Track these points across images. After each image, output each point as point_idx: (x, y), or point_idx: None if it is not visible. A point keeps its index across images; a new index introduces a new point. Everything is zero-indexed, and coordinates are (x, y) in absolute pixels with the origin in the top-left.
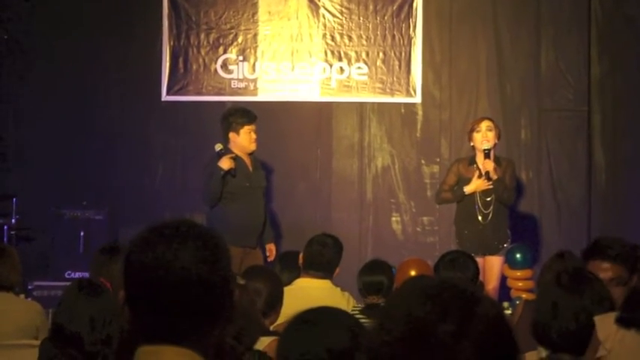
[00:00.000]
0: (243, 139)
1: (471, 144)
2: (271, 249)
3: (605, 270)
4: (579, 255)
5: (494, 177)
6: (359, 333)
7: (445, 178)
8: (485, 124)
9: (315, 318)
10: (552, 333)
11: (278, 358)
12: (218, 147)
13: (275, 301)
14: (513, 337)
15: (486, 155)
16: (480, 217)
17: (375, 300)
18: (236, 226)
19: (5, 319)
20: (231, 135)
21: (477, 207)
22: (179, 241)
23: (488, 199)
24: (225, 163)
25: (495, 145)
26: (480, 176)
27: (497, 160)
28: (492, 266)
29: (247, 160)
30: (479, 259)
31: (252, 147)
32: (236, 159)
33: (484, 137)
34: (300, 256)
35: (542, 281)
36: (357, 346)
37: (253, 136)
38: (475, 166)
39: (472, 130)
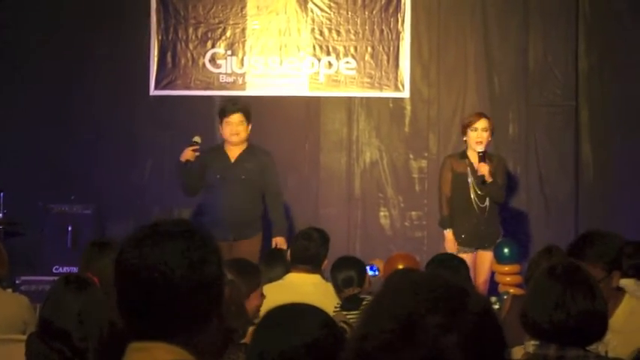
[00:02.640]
0: (224, 131)
1: (464, 138)
2: (277, 241)
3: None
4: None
5: (490, 180)
6: (332, 325)
7: (441, 185)
8: (481, 124)
9: (288, 315)
10: (543, 324)
11: (250, 356)
12: (195, 139)
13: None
14: (501, 332)
15: (481, 158)
16: (477, 212)
17: (351, 292)
18: (210, 218)
19: None
20: (219, 127)
21: (473, 202)
22: (166, 241)
23: (484, 193)
24: (183, 155)
25: (489, 142)
26: (481, 181)
27: (488, 157)
28: (484, 261)
29: (232, 152)
30: (471, 254)
31: (232, 139)
32: (216, 151)
33: (479, 138)
34: (288, 252)
35: (532, 275)
36: (333, 339)
37: (233, 128)
38: (467, 160)
39: (468, 126)
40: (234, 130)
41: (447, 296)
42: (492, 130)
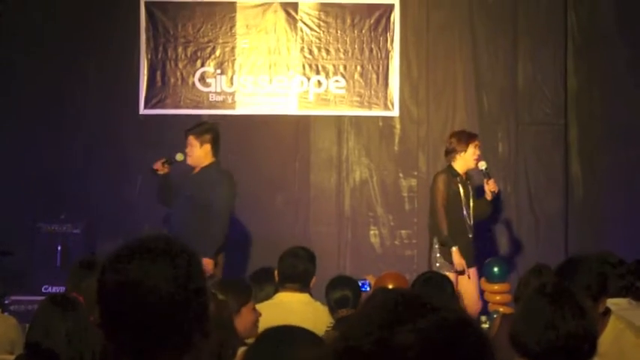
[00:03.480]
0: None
1: (458, 154)
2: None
3: None
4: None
5: (490, 197)
6: (320, 345)
7: (440, 201)
8: (476, 143)
9: (279, 338)
10: (533, 343)
11: None
12: (178, 156)
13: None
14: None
15: (488, 175)
16: (468, 230)
17: (344, 313)
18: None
19: None
20: None
21: (465, 219)
22: (150, 259)
23: (472, 212)
24: (155, 164)
25: None
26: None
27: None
28: (474, 276)
29: (194, 170)
30: (467, 271)
31: (187, 160)
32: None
33: (478, 155)
34: (276, 272)
35: (521, 294)
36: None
37: (187, 150)
38: (459, 178)
39: (469, 142)
40: (187, 152)
41: (417, 309)
42: None
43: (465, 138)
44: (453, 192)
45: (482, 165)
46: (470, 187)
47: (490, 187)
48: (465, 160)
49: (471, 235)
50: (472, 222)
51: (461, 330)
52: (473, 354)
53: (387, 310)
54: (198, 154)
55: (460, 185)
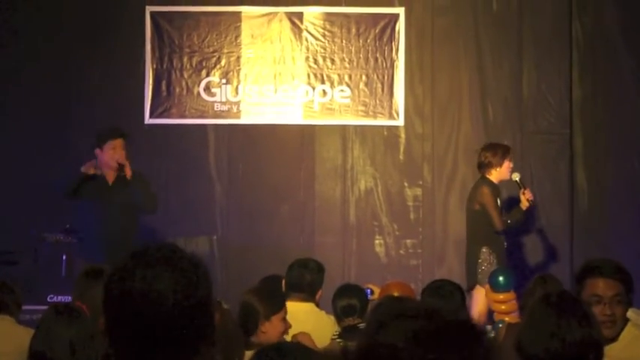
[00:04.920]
0: (105, 155)
1: (497, 168)
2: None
3: (607, 287)
4: (575, 274)
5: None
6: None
7: (491, 206)
8: (512, 155)
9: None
10: (539, 352)
11: None
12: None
13: None
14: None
15: (523, 185)
16: (505, 241)
17: (351, 322)
18: (92, 240)
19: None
20: (96, 151)
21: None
22: (156, 268)
23: (519, 219)
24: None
25: None
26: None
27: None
28: None
29: (110, 176)
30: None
31: (112, 163)
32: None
33: (511, 167)
34: (283, 282)
35: (527, 303)
36: None
37: (115, 152)
38: (497, 190)
39: (507, 155)
40: (115, 155)
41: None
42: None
43: (501, 153)
44: (496, 203)
45: (516, 176)
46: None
47: (527, 196)
48: (501, 173)
49: (505, 244)
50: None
51: (456, 333)
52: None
53: (383, 313)
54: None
55: (498, 196)
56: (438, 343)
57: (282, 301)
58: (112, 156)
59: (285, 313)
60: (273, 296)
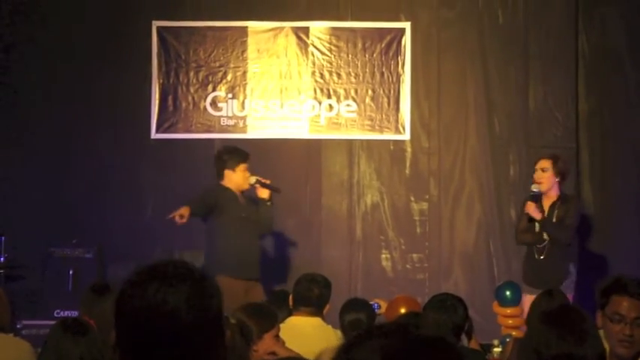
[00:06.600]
0: (239, 177)
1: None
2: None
3: (631, 308)
4: (598, 289)
5: (538, 217)
6: None
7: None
8: (539, 164)
9: None
10: None
11: None
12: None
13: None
14: None
15: (531, 197)
16: (535, 253)
17: None
18: (237, 258)
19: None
20: (227, 172)
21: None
22: (168, 283)
23: (543, 235)
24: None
25: (557, 182)
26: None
27: (563, 198)
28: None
29: (240, 196)
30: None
31: (246, 185)
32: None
33: (536, 178)
34: (290, 297)
35: (532, 317)
36: None
37: (247, 174)
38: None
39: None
40: (248, 176)
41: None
42: (560, 170)
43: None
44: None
45: (534, 187)
46: None
47: (526, 207)
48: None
49: (539, 260)
50: (543, 245)
51: (428, 349)
52: None
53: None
54: None
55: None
56: (410, 359)
57: (274, 317)
58: (246, 178)
59: (278, 330)
60: (263, 314)
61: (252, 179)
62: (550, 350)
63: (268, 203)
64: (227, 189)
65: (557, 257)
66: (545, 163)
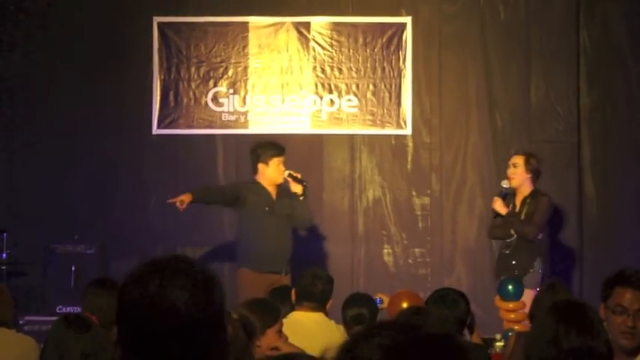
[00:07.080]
0: (272, 171)
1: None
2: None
3: (634, 300)
4: (606, 278)
5: (503, 212)
6: None
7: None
8: (512, 160)
9: None
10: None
11: None
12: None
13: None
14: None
15: (503, 193)
16: (503, 247)
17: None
18: (260, 251)
19: (1, 352)
20: (260, 166)
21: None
22: (169, 279)
23: (511, 231)
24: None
25: (529, 179)
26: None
27: (533, 195)
28: None
29: (272, 190)
30: None
31: (280, 179)
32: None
33: (508, 174)
34: (293, 291)
35: (535, 311)
36: None
37: (282, 168)
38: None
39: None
40: (283, 170)
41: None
42: (532, 167)
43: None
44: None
45: (504, 184)
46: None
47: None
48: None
49: (507, 253)
50: (512, 240)
51: (433, 346)
52: None
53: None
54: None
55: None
56: (414, 356)
57: (277, 313)
58: (280, 172)
59: (281, 325)
60: (266, 309)
61: (286, 173)
62: (570, 344)
63: (301, 197)
64: (255, 183)
65: (521, 252)
66: (517, 159)
